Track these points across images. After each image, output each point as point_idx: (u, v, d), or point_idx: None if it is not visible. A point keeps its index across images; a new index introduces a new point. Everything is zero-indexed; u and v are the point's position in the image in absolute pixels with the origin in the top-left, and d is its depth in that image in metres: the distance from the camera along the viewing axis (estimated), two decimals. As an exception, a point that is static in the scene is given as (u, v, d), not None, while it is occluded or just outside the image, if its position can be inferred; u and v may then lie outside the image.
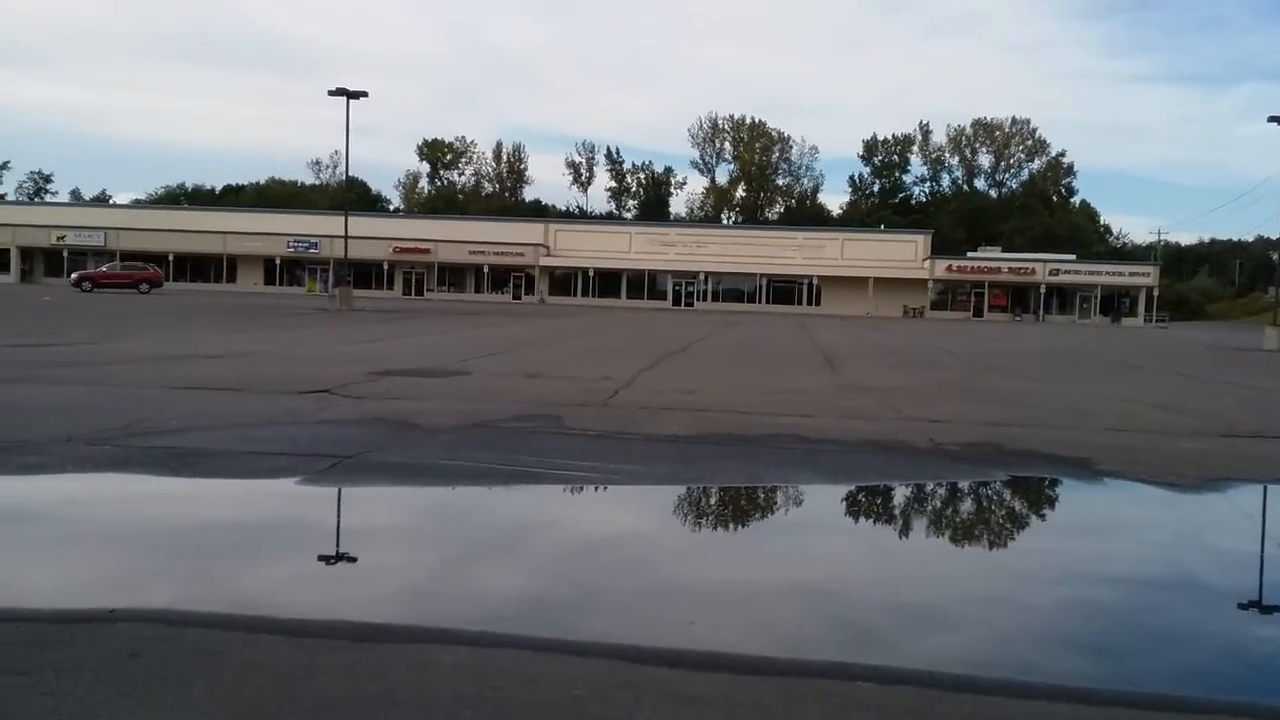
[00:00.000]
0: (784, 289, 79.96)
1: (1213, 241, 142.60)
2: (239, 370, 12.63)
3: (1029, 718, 2.92)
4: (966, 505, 6.60)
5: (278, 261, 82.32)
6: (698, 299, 79.90)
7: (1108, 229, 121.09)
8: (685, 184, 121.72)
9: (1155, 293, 79.22)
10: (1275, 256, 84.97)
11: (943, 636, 3.77)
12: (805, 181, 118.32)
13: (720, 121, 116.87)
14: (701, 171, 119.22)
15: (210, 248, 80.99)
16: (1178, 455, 8.29)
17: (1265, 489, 7.36)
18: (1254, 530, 6.12)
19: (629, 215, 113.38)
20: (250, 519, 5.44)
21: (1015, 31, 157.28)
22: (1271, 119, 39.28)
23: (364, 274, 77.04)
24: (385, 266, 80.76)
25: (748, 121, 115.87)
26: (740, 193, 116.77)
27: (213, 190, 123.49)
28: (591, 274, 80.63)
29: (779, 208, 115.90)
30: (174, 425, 7.78)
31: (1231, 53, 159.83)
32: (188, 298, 51.88)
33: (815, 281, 79.19)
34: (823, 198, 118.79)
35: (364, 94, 45.50)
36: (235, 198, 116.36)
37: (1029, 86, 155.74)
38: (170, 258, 78.69)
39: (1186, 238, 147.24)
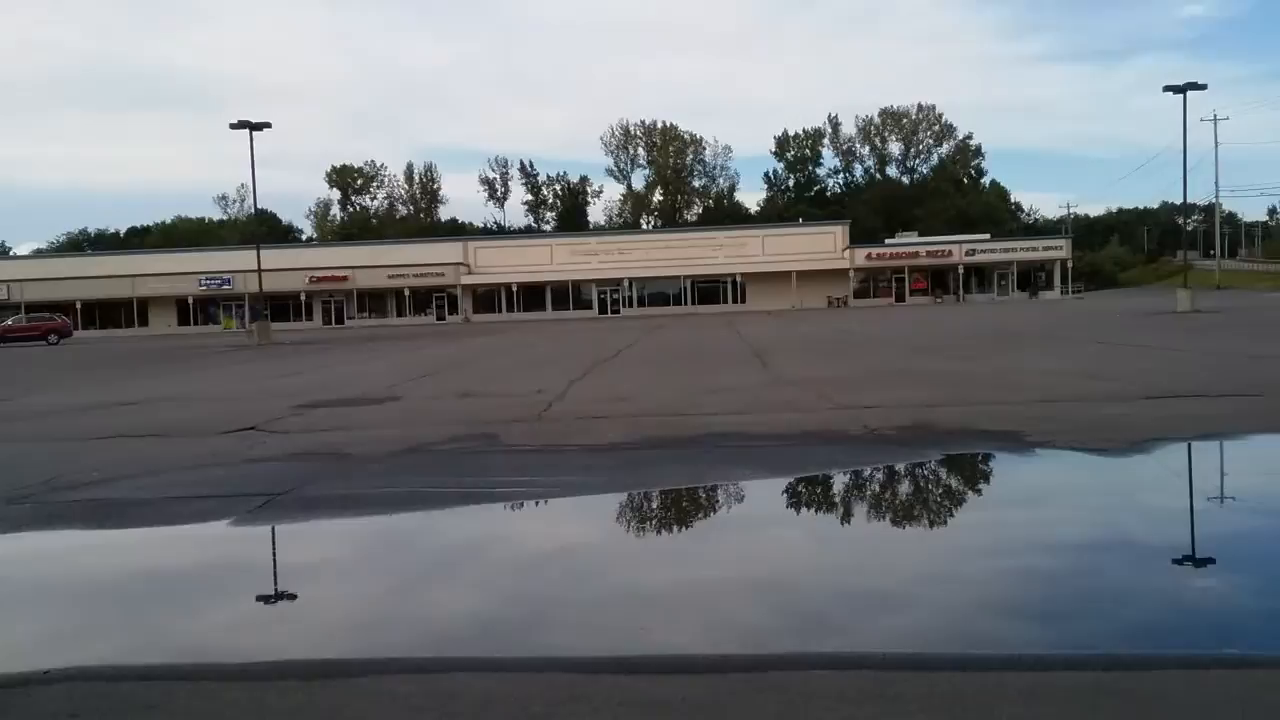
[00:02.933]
0: (709, 289, 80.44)
1: (1120, 211, 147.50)
2: (159, 415, 12.30)
3: (984, 690, 2.95)
4: (905, 487, 6.68)
5: (190, 301, 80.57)
6: (624, 305, 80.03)
7: (1019, 206, 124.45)
8: (602, 192, 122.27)
9: (1069, 264, 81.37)
10: (1181, 220, 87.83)
11: (895, 618, 3.80)
12: (721, 181, 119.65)
13: (632, 128, 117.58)
14: (617, 179, 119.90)
15: (119, 292, 78.98)
16: (1104, 420, 8.49)
17: (1189, 446, 7.57)
18: (1182, 487, 6.29)
19: (548, 227, 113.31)
20: (184, 565, 5.28)
21: (917, 21, 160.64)
22: (1167, 88, 40.58)
23: (281, 306, 75.79)
24: (303, 297, 79.51)
25: (659, 126, 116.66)
26: (658, 197, 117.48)
27: (117, 233, 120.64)
28: (515, 289, 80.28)
29: (697, 209, 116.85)
30: (96, 477, 7.53)
31: (1125, 27, 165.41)
32: (100, 345, 50.49)
33: (739, 279, 79.80)
34: (740, 196, 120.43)
35: (267, 125, 44.72)
36: (141, 240, 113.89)
37: (933, 73, 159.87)
38: (78, 306, 76.60)
39: (1095, 209, 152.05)
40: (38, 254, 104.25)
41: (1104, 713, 2.77)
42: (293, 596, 4.52)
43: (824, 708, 2.85)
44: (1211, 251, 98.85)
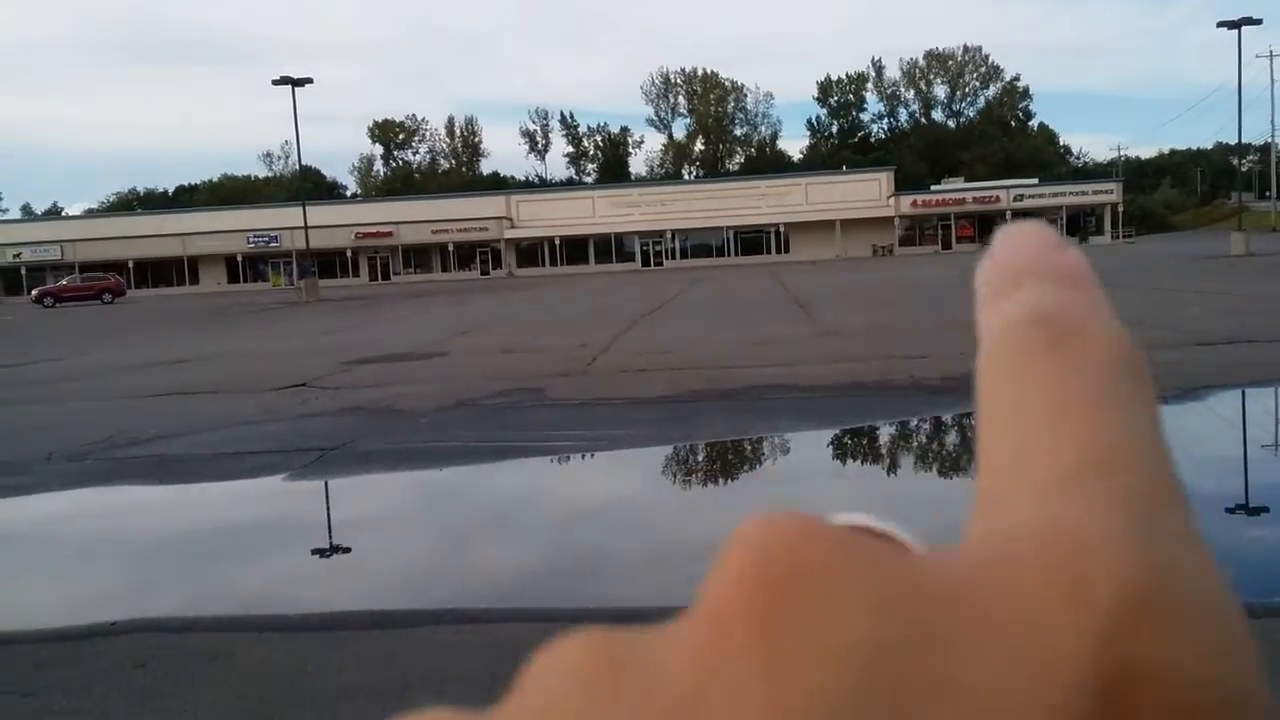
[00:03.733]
0: (751, 240, 79.80)
1: (1172, 152, 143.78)
2: (213, 372, 12.53)
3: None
4: (951, 438, 6.66)
5: (240, 259, 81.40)
6: (666, 258, 79.66)
7: (1068, 149, 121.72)
8: (643, 143, 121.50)
9: (1120, 209, 79.66)
10: (1235, 161, 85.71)
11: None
12: (763, 129, 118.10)
13: (672, 76, 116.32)
14: (658, 128, 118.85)
15: (170, 251, 79.96)
16: (1155, 367, 8.30)
17: (1243, 393, 7.46)
18: (1235, 435, 6.21)
19: (589, 179, 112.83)
20: (243, 519, 5.42)
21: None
22: (1220, 24, 39.41)
23: (328, 263, 76.35)
24: (349, 253, 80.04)
25: (700, 74, 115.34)
26: (699, 146, 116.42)
27: (166, 192, 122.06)
28: (557, 242, 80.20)
29: (739, 158, 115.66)
30: (154, 434, 7.72)
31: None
32: (152, 304, 51.31)
33: (782, 229, 79.05)
34: (782, 144, 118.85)
35: (309, 81, 44.87)
36: (190, 198, 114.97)
37: (979, 13, 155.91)
38: (130, 265, 77.75)
39: (1146, 151, 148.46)
40: (89, 214, 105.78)
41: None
42: (348, 549, 4.63)
43: (871, 657, 2.88)
44: (1268, 193, 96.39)
